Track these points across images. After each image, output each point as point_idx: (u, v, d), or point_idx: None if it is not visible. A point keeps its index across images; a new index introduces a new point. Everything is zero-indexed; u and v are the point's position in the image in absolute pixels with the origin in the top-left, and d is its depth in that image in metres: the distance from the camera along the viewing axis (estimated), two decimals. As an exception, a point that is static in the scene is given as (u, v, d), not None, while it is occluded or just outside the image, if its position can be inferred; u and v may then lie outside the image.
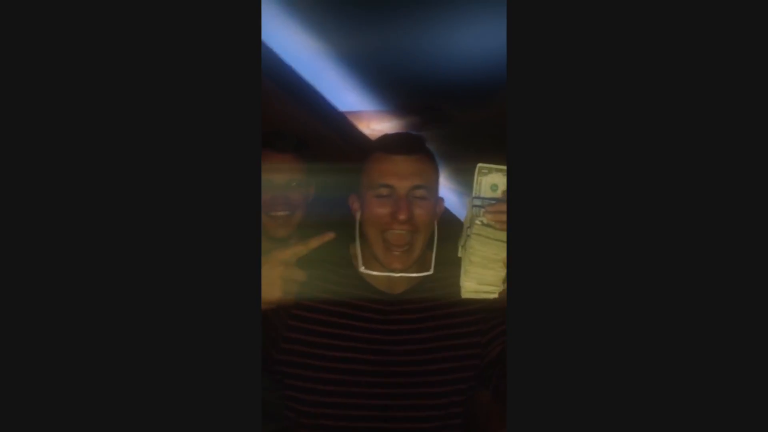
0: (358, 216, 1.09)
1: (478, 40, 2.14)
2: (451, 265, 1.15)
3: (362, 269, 1.10)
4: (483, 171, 0.97)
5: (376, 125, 3.03)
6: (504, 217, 0.94)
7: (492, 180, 0.97)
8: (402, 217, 1.02)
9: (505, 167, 0.96)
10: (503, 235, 0.94)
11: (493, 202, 0.96)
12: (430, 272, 1.11)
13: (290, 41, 2.16)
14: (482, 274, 0.96)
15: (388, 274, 1.09)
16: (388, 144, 1.08)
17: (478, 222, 0.95)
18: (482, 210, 0.96)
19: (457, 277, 1.16)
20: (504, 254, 0.95)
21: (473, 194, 0.98)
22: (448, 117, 2.87)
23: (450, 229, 1.15)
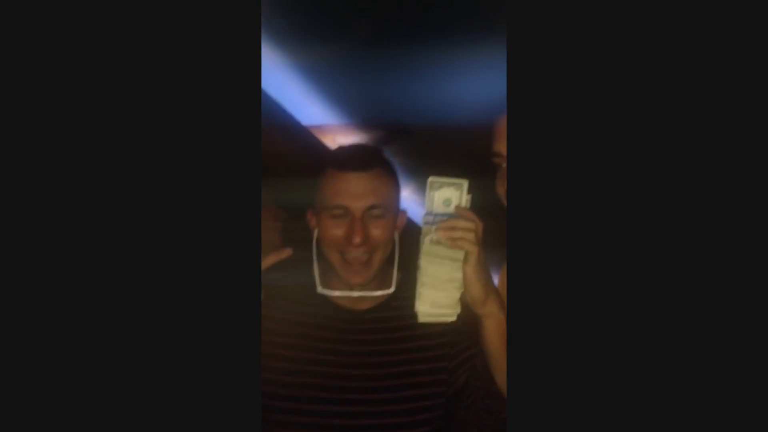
0: (315, 233, 1.03)
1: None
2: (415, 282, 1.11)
3: (320, 290, 1.03)
4: (434, 185, 0.89)
5: (342, 140, 3.00)
6: (457, 234, 0.87)
7: (445, 194, 0.90)
8: (357, 240, 0.96)
9: (461, 181, 0.90)
10: (457, 254, 0.88)
11: (446, 218, 0.89)
12: (391, 290, 1.05)
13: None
14: (435, 296, 0.90)
15: (347, 293, 1.03)
16: (341, 159, 1.02)
17: (427, 240, 0.89)
18: (433, 227, 0.89)
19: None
20: (458, 274, 0.89)
21: (425, 210, 0.90)
22: (412, 131, 2.85)
23: (416, 245, 1.09)
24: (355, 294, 1.03)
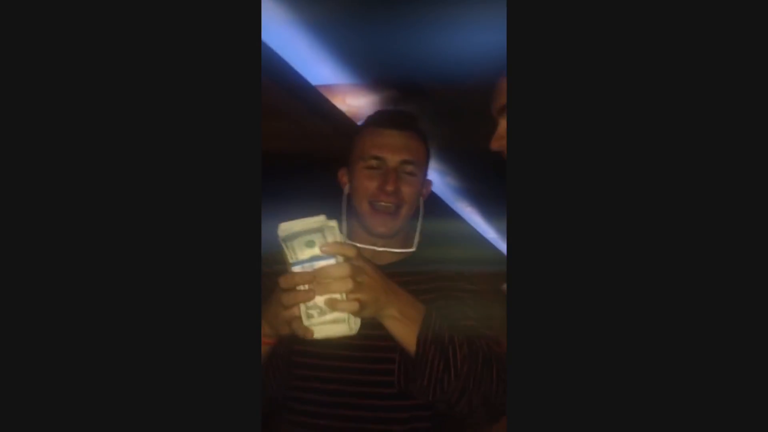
0: (346, 189, 1.10)
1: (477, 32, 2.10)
2: (434, 245, 1.14)
3: (346, 241, 1.07)
4: (287, 235, 0.76)
5: (352, 100, 2.96)
6: (342, 287, 0.77)
7: (304, 239, 0.76)
8: (389, 188, 1.03)
9: (312, 219, 0.76)
10: (350, 306, 0.77)
11: (319, 261, 0.76)
12: (413, 249, 1.11)
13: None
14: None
15: (371, 247, 1.08)
16: (381, 119, 1.10)
17: (311, 312, 0.77)
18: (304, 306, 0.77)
19: (439, 255, 1.13)
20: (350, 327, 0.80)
21: (290, 262, 0.77)
22: (427, 92, 2.80)
23: (434, 212, 1.14)
24: (379, 248, 1.09)
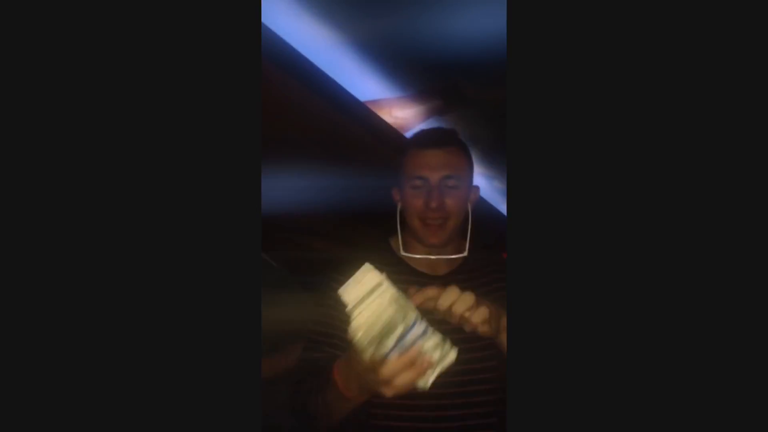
0: (399, 206, 1.20)
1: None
2: (484, 248, 1.22)
3: (402, 253, 1.20)
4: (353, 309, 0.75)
5: (398, 112, 3.03)
6: (464, 305, 0.82)
7: (378, 328, 0.73)
8: (433, 204, 1.12)
9: (364, 277, 0.76)
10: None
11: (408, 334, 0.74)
12: (464, 254, 1.20)
13: (299, 31, 2.14)
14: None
15: (426, 256, 1.18)
16: (421, 140, 1.19)
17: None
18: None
19: (490, 257, 1.21)
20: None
21: (383, 352, 0.73)
22: (468, 97, 2.85)
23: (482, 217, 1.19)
24: (433, 257, 1.18)
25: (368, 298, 0.75)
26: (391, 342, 0.72)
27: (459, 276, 1.18)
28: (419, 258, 1.19)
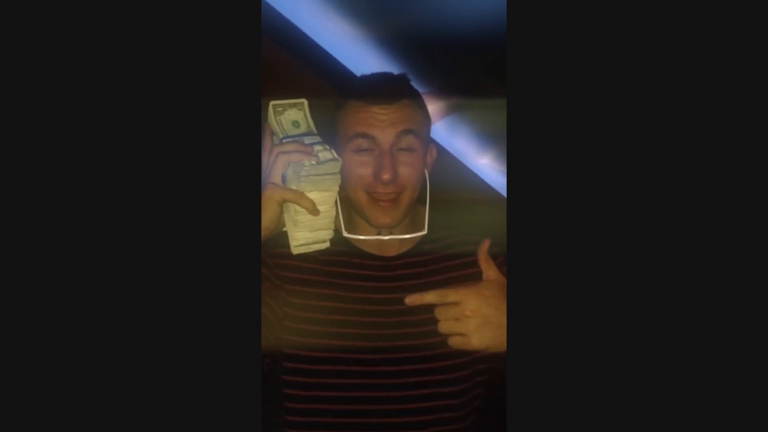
0: None
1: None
2: (449, 222, 1.01)
3: (345, 234, 0.96)
4: (278, 109, 0.84)
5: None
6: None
7: (291, 117, 0.85)
8: (386, 176, 0.86)
9: (300, 100, 0.85)
10: (333, 167, 0.79)
11: (298, 138, 0.82)
12: (424, 232, 0.96)
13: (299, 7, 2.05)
14: (313, 220, 0.82)
15: (376, 237, 0.95)
16: (366, 91, 0.90)
17: (307, 164, 0.78)
18: (319, 147, 0.81)
19: (457, 235, 1.02)
20: (336, 187, 0.81)
21: (280, 136, 0.83)
22: (491, 89, 2.70)
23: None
24: (385, 237, 0.95)
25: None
26: (290, 131, 0.83)
27: (414, 258, 0.97)
28: (368, 239, 0.96)
